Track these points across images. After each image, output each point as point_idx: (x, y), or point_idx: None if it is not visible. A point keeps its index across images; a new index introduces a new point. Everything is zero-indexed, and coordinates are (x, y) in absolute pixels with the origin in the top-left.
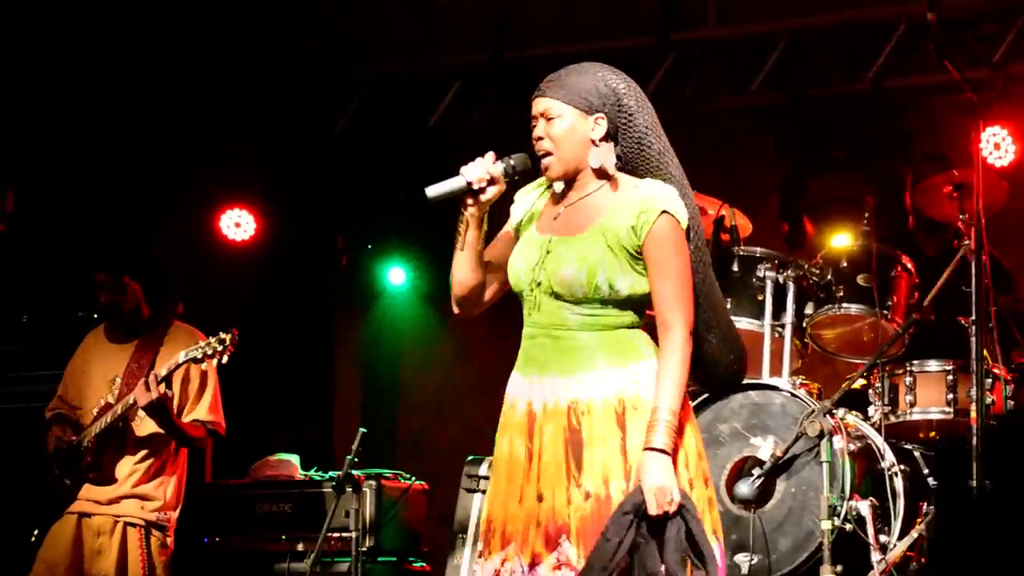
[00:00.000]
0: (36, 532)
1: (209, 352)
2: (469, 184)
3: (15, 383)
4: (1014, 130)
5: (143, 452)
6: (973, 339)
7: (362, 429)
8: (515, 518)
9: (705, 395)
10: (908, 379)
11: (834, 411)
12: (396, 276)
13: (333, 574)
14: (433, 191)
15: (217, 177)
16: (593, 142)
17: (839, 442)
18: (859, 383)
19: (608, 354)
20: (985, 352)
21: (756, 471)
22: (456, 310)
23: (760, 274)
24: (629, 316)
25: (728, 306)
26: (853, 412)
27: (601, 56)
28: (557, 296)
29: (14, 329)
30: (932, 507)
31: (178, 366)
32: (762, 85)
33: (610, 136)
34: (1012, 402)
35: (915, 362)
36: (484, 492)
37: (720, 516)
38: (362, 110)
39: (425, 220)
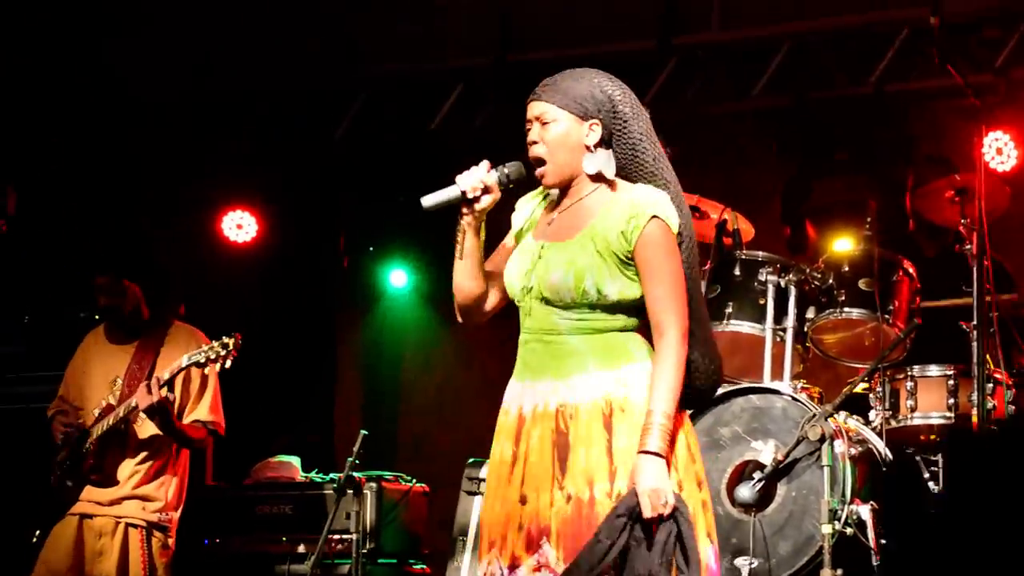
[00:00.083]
0: (38, 533)
1: (212, 356)
2: (464, 193)
3: (16, 384)
4: (1016, 135)
5: (144, 453)
6: (975, 344)
7: (363, 431)
8: (496, 521)
9: None
10: (909, 383)
11: (835, 415)
12: (397, 278)
13: None
14: (428, 201)
15: (219, 179)
16: (587, 148)
17: (840, 446)
18: (860, 387)
19: (599, 357)
20: (987, 356)
21: (757, 475)
22: (460, 319)
23: (762, 278)
24: (620, 320)
25: (730, 310)
26: (854, 416)
27: (603, 59)
28: (547, 301)
29: (15, 330)
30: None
31: (181, 370)
32: (765, 89)
33: (604, 142)
34: (1013, 407)
35: (916, 367)
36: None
37: (720, 519)
38: (364, 112)
39: (426, 223)
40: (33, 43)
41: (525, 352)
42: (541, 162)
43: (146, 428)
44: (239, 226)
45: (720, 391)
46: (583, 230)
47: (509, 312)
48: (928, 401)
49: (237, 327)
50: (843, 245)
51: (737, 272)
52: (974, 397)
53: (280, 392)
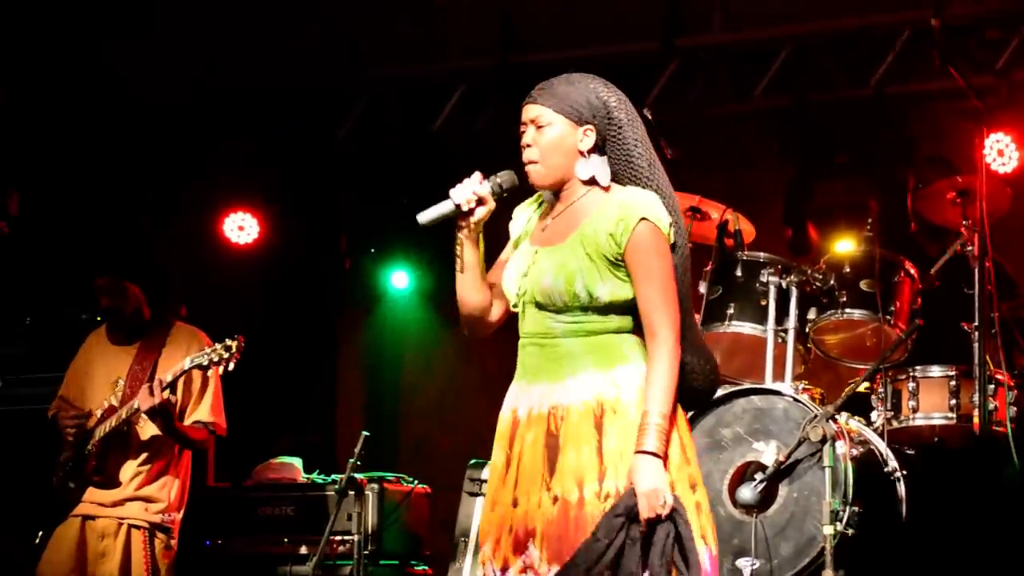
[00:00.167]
0: (40, 534)
1: (215, 359)
2: (458, 206)
3: (17, 385)
4: (1018, 136)
5: (147, 454)
6: (976, 344)
7: (364, 432)
8: (492, 524)
9: None
10: (911, 384)
11: (837, 416)
12: (399, 280)
13: None
14: (424, 217)
15: (220, 180)
16: (581, 153)
17: (841, 447)
18: (862, 388)
19: (593, 359)
20: (988, 358)
21: (758, 476)
22: (466, 332)
23: (763, 279)
24: (614, 322)
25: (731, 311)
26: (856, 417)
27: (606, 61)
28: (541, 306)
29: (16, 331)
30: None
31: (183, 372)
32: (766, 90)
33: (598, 148)
34: (1015, 408)
35: (918, 367)
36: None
37: (721, 520)
38: (366, 114)
39: (429, 225)
40: (34, 44)
41: (523, 356)
42: (532, 162)
43: (148, 429)
44: (240, 227)
45: (722, 392)
46: (573, 233)
47: (511, 315)
48: (930, 402)
49: (238, 328)
50: (844, 246)
51: (739, 273)
52: (975, 398)
53: (282, 393)
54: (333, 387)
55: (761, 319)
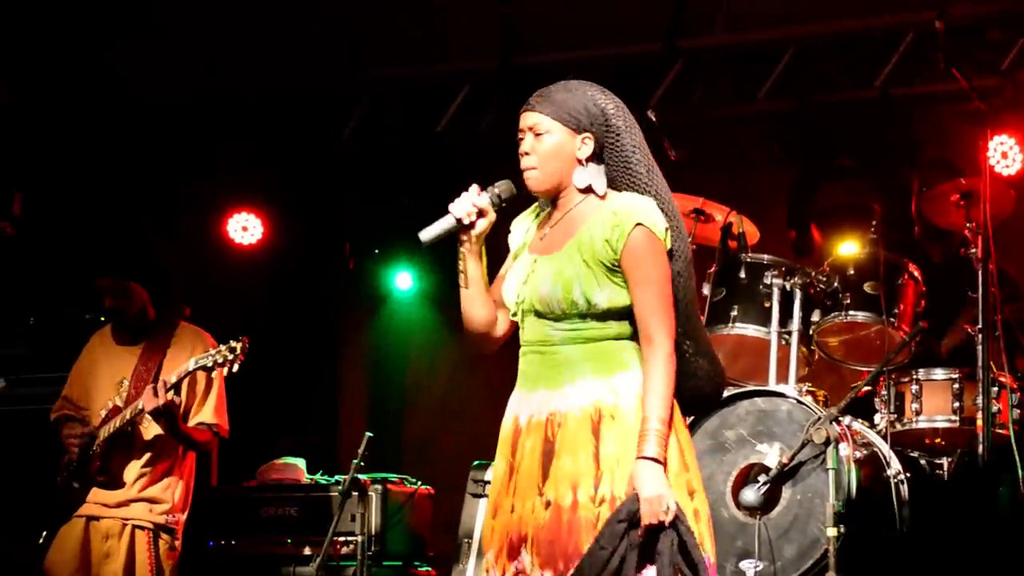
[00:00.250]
0: (44, 535)
1: (220, 360)
2: (459, 220)
3: (20, 386)
4: (1022, 139)
5: (151, 455)
6: (980, 347)
7: (368, 433)
8: (493, 532)
9: None
10: (914, 387)
11: (840, 418)
12: (403, 281)
13: None
14: (426, 234)
15: (224, 181)
16: (579, 161)
17: (845, 449)
18: (865, 390)
19: (592, 366)
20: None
21: (762, 478)
22: (473, 349)
23: (767, 281)
24: (613, 328)
25: (735, 313)
26: (859, 419)
27: (609, 62)
28: (539, 314)
29: (20, 332)
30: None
31: (188, 374)
32: (770, 92)
33: (595, 155)
34: (1018, 410)
35: (921, 370)
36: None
37: (725, 522)
38: (370, 115)
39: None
40: (37, 45)
41: (523, 364)
42: (530, 168)
43: (152, 430)
44: (244, 228)
45: (725, 394)
46: (570, 241)
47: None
48: (933, 404)
49: (242, 329)
50: (848, 248)
51: (742, 275)
52: (979, 401)
53: (285, 394)
54: (336, 388)
55: (765, 321)
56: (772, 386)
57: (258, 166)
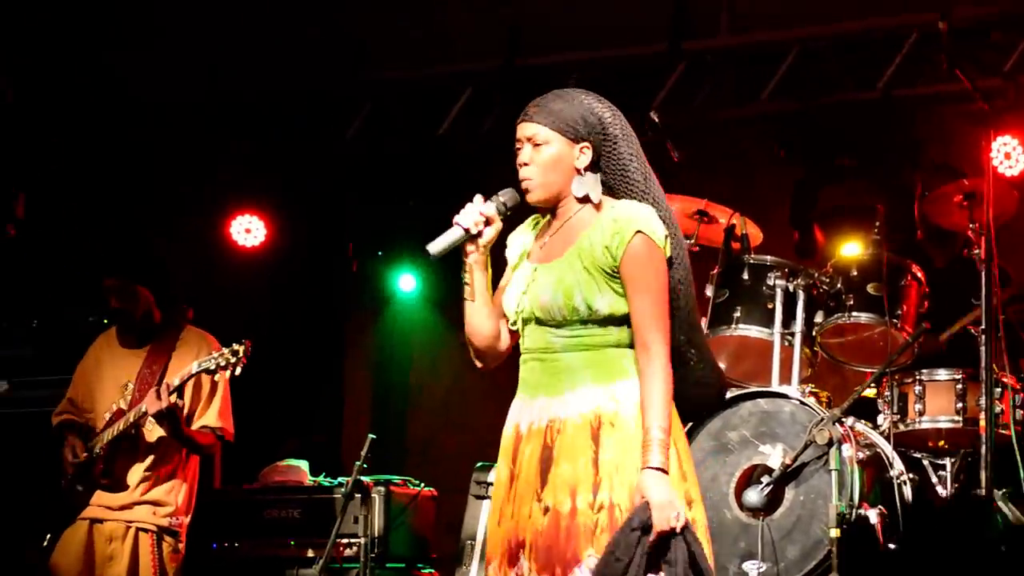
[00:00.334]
0: (48, 537)
1: (222, 363)
2: (467, 230)
3: (23, 388)
4: None
5: (154, 458)
6: (983, 348)
7: (371, 435)
8: (496, 540)
9: None
10: (917, 388)
11: (843, 419)
12: (406, 283)
13: None
14: (434, 247)
15: (228, 183)
16: (577, 170)
17: (848, 450)
18: (868, 392)
19: (592, 373)
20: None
21: (765, 479)
22: (479, 364)
23: (770, 282)
24: (614, 335)
25: (738, 314)
26: (862, 420)
27: (612, 64)
28: (541, 322)
29: (22, 334)
30: None
31: (191, 376)
32: (773, 93)
33: (593, 164)
34: (1021, 411)
35: (924, 371)
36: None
37: (728, 523)
38: (372, 117)
39: (435, 227)
40: (40, 46)
41: (524, 371)
42: (531, 182)
43: (156, 433)
44: (248, 230)
45: (729, 395)
46: (570, 248)
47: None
48: (936, 405)
49: (246, 331)
50: (851, 249)
51: (745, 276)
52: (982, 401)
53: (289, 396)
54: (340, 390)
55: (768, 322)
56: (775, 387)
57: (260, 168)
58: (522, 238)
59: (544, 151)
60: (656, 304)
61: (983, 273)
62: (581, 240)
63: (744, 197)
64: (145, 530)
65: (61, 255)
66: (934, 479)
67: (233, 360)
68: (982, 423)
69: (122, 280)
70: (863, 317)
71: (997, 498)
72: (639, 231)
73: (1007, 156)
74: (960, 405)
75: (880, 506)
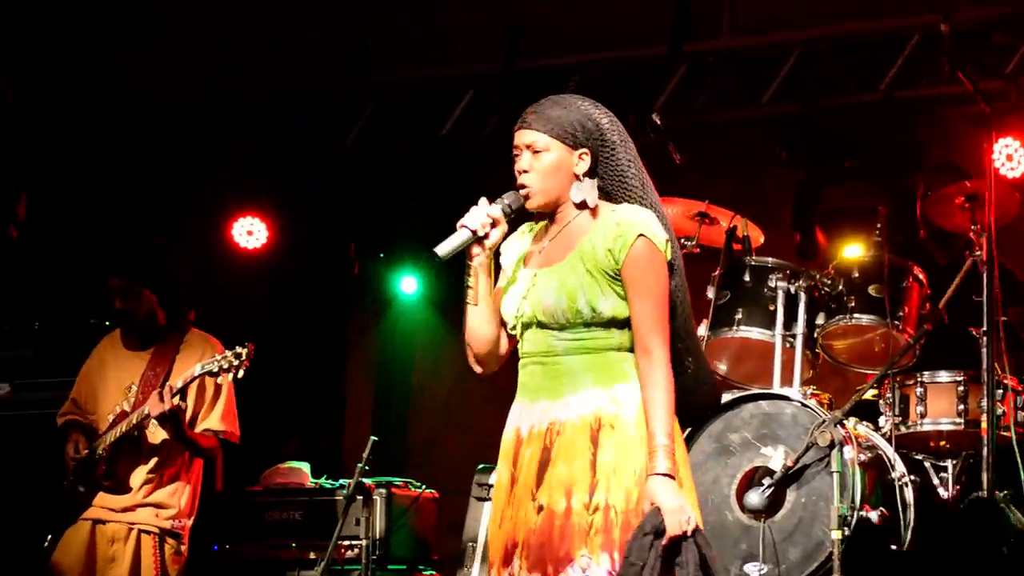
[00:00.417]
0: (49, 538)
1: (225, 366)
2: (474, 232)
3: (25, 389)
4: None
5: (158, 460)
6: (984, 350)
7: (373, 437)
8: (497, 543)
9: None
10: (919, 390)
11: (845, 421)
12: (408, 285)
13: None
14: (442, 249)
15: (229, 185)
16: (576, 176)
17: (849, 452)
18: (870, 394)
19: (593, 376)
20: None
21: (766, 481)
22: (478, 369)
23: (772, 284)
24: (615, 339)
25: (739, 316)
26: (864, 422)
27: (614, 66)
28: (542, 325)
29: (24, 336)
30: None
31: (194, 379)
32: (775, 95)
33: (591, 170)
34: (1023, 412)
35: (926, 373)
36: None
37: (729, 525)
38: (374, 118)
39: (437, 229)
40: (42, 47)
41: (524, 376)
42: (531, 189)
43: (159, 435)
44: (249, 232)
45: (730, 397)
46: (572, 252)
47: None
48: (938, 407)
49: (247, 333)
50: (853, 251)
51: (747, 278)
52: (983, 403)
53: (290, 398)
54: (341, 392)
55: (769, 324)
56: (776, 389)
57: (262, 170)
58: (517, 245)
59: (544, 158)
60: (657, 308)
61: (984, 274)
62: (583, 244)
63: (746, 199)
64: (148, 532)
65: (63, 257)
66: (935, 481)
67: (236, 363)
68: (984, 425)
69: (127, 281)
70: (864, 319)
71: (999, 500)
72: (641, 234)
73: (1009, 158)
74: (962, 407)
75: (882, 508)
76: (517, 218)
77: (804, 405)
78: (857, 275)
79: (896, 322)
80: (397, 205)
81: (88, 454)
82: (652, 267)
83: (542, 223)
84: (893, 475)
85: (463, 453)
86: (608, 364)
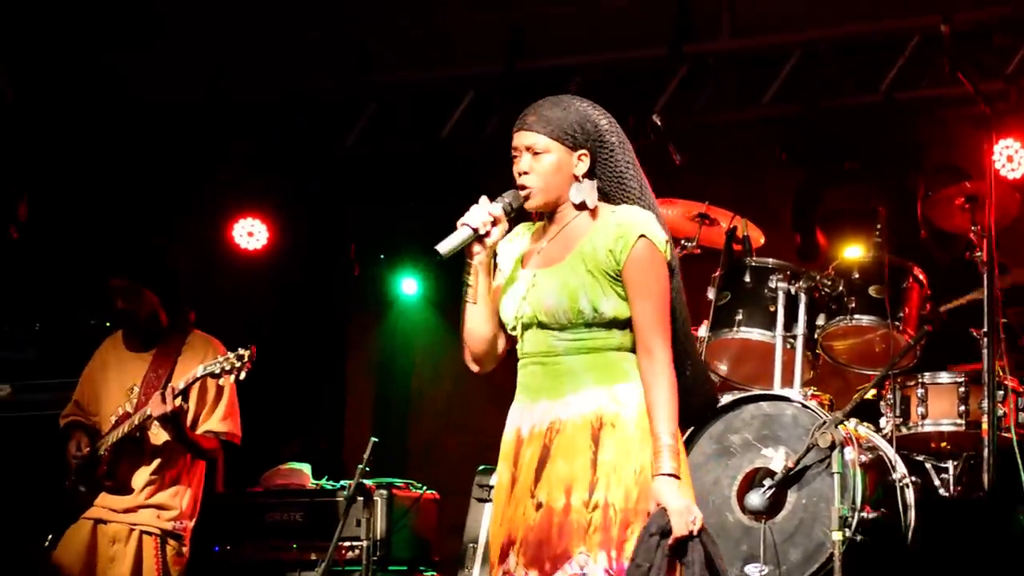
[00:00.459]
0: (50, 538)
1: (227, 368)
2: (475, 230)
3: (26, 391)
4: None
5: (160, 462)
6: (985, 351)
7: (373, 438)
8: (497, 542)
9: (717, 405)
10: (920, 391)
11: (845, 422)
12: (408, 286)
13: None
14: (444, 247)
15: (230, 186)
16: (576, 177)
17: (850, 453)
18: (871, 394)
19: (594, 376)
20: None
21: (767, 482)
22: (476, 368)
23: (772, 285)
24: (616, 339)
25: (740, 317)
26: (864, 423)
27: (614, 67)
28: (543, 325)
29: (26, 336)
30: None
31: (195, 380)
32: (775, 97)
33: (590, 171)
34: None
35: (927, 374)
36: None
37: (730, 526)
38: (374, 120)
39: (438, 230)
40: (40, 48)
41: (523, 376)
42: (531, 190)
43: (162, 437)
44: (250, 233)
45: (730, 398)
46: (572, 252)
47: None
48: (939, 408)
49: (248, 334)
50: (853, 252)
51: (747, 279)
52: (984, 404)
53: (291, 399)
54: (342, 393)
55: (770, 325)
56: (777, 390)
57: (263, 171)
58: (513, 246)
59: (544, 160)
60: (659, 308)
61: (985, 275)
62: (583, 244)
63: (746, 200)
64: (149, 533)
65: (63, 257)
66: (936, 482)
67: (238, 365)
68: (984, 426)
69: (129, 281)
70: (865, 320)
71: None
72: (642, 235)
73: (1009, 159)
74: (962, 408)
75: (882, 509)
76: (516, 218)
77: (805, 406)
78: (857, 276)
79: (896, 323)
80: (397, 206)
81: (90, 453)
82: (653, 268)
83: (539, 223)
84: (894, 476)
85: (464, 454)
86: (609, 364)
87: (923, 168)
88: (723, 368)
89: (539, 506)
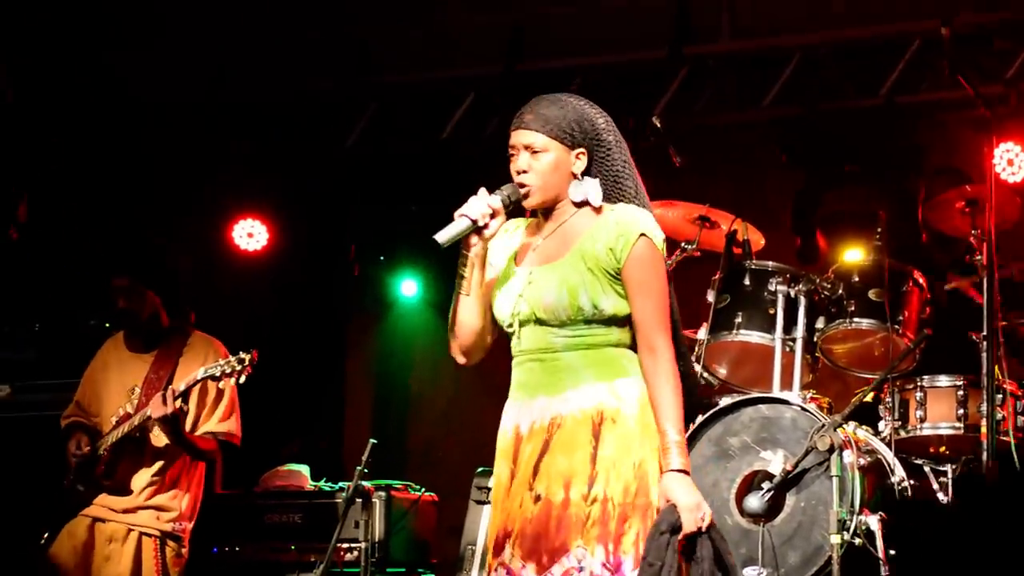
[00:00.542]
0: (46, 535)
1: (228, 370)
2: (474, 222)
3: (26, 391)
4: None
5: (160, 463)
6: (984, 354)
7: (372, 440)
8: (493, 533)
9: (716, 408)
10: (919, 394)
11: (844, 425)
12: (408, 288)
13: None
14: (442, 236)
15: (230, 187)
16: (574, 175)
17: (849, 456)
18: (870, 398)
19: (594, 372)
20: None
21: (766, 485)
22: (463, 359)
23: (772, 288)
24: (615, 335)
25: (739, 319)
26: (863, 427)
27: (614, 69)
28: (541, 322)
29: (26, 337)
30: None
31: (196, 382)
32: (776, 99)
33: (587, 169)
34: (1023, 417)
35: (926, 377)
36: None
37: (728, 529)
38: (375, 121)
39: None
40: (40, 48)
41: (520, 373)
42: (530, 188)
43: (163, 438)
44: (250, 234)
45: (729, 401)
46: (572, 249)
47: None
48: (937, 412)
49: (248, 335)
50: (853, 255)
51: (747, 282)
52: (983, 408)
53: (290, 401)
54: (341, 394)
55: (769, 328)
56: (776, 393)
57: (263, 172)
58: (506, 241)
59: (543, 158)
60: (660, 306)
61: (985, 279)
62: (583, 242)
63: (746, 202)
64: (149, 534)
65: (63, 258)
66: (935, 485)
67: (239, 368)
68: (983, 430)
69: (131, 281)
70: (864, 323)
71: None
72: (643, 234)
73: (1009, 162)
74: (961, 411)
75: (881, 512)
76: (512, 212)
77: (804, 409)
78: (857, 279)
79: (896, 326)
80: (397, 207)
81: (90, 453)
82: (654, 266)
83: (533, 220)
84: (893, 479)
85: (463, 456)
86: (608, 360)
87: (923, 171)
88: (722, 371)
89: (537, 499)
